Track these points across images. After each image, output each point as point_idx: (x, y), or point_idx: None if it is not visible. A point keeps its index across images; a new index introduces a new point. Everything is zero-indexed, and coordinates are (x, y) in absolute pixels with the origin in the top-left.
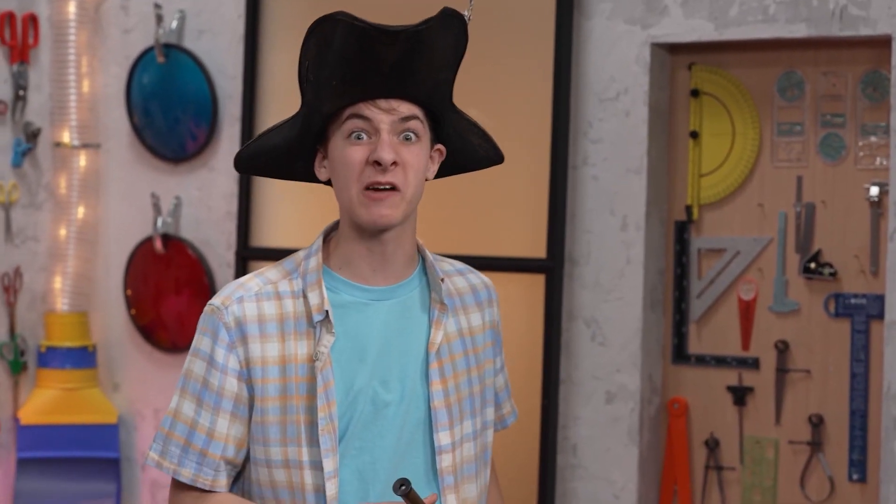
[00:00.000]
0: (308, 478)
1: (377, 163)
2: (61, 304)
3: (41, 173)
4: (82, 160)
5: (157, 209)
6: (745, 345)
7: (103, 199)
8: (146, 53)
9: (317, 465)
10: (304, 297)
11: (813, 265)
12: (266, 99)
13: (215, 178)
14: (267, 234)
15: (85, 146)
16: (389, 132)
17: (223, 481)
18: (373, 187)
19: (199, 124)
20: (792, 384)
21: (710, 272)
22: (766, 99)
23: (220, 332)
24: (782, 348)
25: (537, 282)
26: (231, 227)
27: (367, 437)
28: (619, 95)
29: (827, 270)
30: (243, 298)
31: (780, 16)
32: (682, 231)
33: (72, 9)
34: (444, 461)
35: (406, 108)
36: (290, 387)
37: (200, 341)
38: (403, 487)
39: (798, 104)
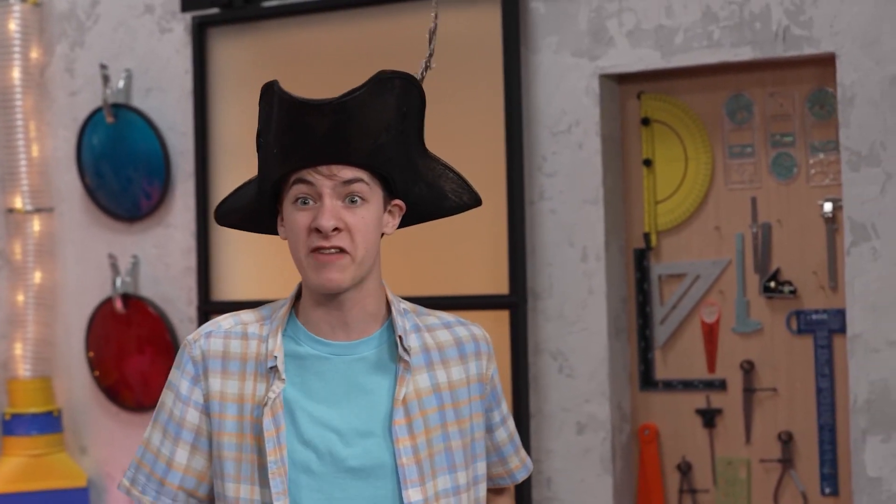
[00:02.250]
0: None
1: (317, 230)
2: (23, 370)
3: None
4: (36, 224)
5: (115, 269)
6: (711, 367)
7: (60, 263)
8: (94, 114)
9: None
10: (267, 341)
11: (773, 284)
12: (218, 152)
13: (172, 234)
14: (228, 288)
15: (38, 210)
16: (332, 196)
17: None
18: (318, 251)
19: (153, 182)
20: (760, 403)
21: (672, 297)
22: (715, 123)
23: (187, 365)
24: (748, 368)
25: (502, 318)
26: (191, 282)
27: (326, 489)
28: (570, 128)
29: (787, 288)
30: (212, 334)
31: (725, 40)
32: (641, 258)
33: (16, 74)
34: None
35: (348, 173)
36: (245, 425)
37: (172, 374)
38: None
39: (748, 126)
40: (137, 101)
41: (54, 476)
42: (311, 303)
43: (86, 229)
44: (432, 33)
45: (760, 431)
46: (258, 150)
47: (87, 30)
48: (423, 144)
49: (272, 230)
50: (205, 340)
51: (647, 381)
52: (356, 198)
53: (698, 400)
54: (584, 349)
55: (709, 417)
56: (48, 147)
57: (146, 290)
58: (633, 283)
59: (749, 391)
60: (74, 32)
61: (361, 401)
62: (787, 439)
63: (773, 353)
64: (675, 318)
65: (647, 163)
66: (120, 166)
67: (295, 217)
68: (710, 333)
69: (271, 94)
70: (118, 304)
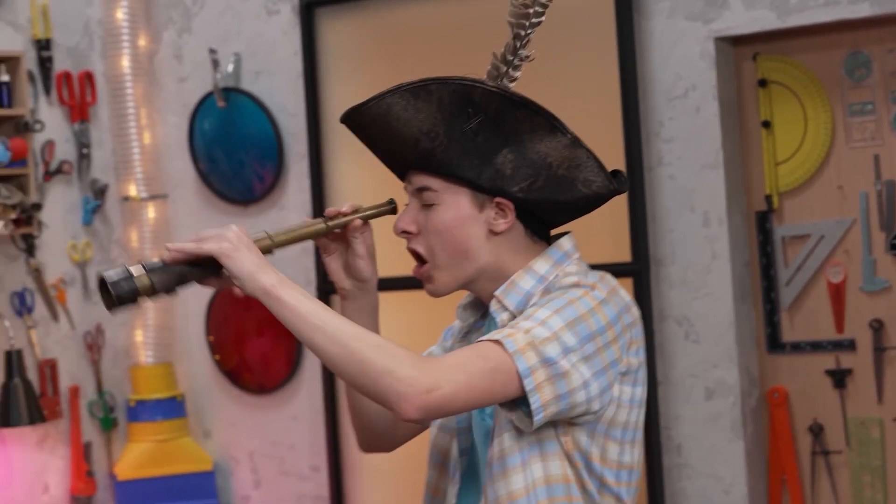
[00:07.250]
0: None
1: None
2: (145, 356)
3: (112, 229)
4: (151, 212)
5: None
6: (840, 327)
7: None
8: (205, 99)
9: None
10: None
11: None
12: (330, 132)
13: (286, 216)
14: None
15: (152, 198)
16: (414, 201)
17: None
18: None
19: (265, 165)
20: (890, 362)
21: (797, 259)
22: (834, 81)
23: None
24: (877, 327)
25: (625, 285)
26: (308, 263)
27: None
28: (687, 92)
29: None
30: None
31: None
32: (764, 221)
33: (126, 63)
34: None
35: (416, 180)
36: None
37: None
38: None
39: (867, 83)
40: (247, 85)
41: (180, 461)
42: None
43: (200, 214)
44: (527, 19)
45: (892, 390)
46: None
47: (194, 15)
48: (542, 131)
49: None
50: None
51: (775, 343)
52: (428, 203)
53: (827, 361)
54: (709, 314)
55: (839, 378)
56: (159, 134)
57: None
58: (757, 246)
59: (879, 350)
60: (181, 18)
61: None
62: None
63: None
64: (800, 280)
65: (766, 124)
66: (232, 150)
67: None
68: (837, 293)
69: None
70: (236, 289)
